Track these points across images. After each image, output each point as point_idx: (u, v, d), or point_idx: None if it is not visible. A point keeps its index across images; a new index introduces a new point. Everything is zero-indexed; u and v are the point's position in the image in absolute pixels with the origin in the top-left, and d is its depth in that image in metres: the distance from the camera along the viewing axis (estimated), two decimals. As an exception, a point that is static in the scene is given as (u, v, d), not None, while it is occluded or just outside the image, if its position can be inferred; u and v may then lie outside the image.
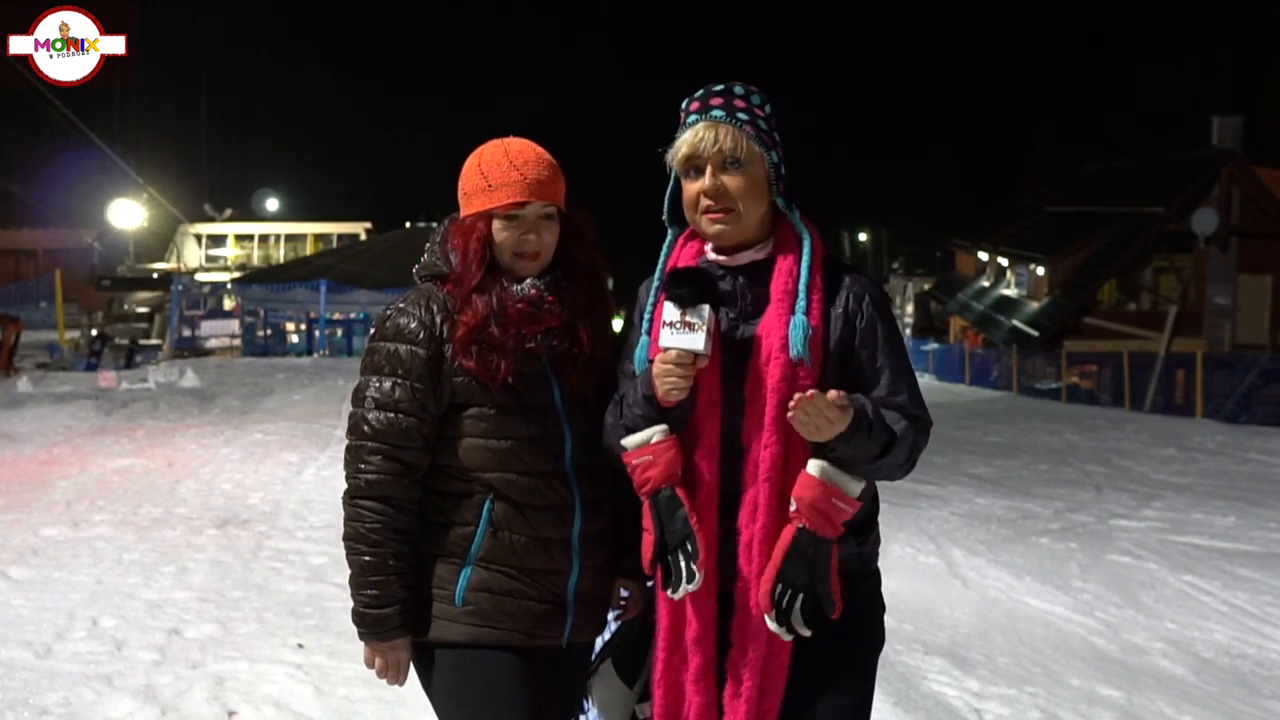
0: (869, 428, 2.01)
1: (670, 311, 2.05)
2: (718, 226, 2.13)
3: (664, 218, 2.27)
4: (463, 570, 2.24)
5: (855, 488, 2.03)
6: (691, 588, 2.05)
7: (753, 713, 2.09)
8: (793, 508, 2.03)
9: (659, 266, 2.25)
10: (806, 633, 2.03)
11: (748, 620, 2.09)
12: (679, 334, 2.05)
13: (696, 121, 2.11)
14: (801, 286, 2.11)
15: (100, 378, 16.22)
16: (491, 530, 2.23)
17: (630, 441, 2.11)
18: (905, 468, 2.16)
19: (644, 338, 2.20)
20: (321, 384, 15.94)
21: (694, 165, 2.12)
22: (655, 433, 2.09)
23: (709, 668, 2.12)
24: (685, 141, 2.11)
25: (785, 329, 2.07)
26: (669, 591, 2.09)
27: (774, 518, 2.07)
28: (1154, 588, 7.12)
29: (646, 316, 2.20)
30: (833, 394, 1.94)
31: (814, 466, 2.03)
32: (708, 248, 2.22)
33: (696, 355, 2.05)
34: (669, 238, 2.28)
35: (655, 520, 2.09)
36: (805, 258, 2.13)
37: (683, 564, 2.06)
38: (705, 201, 2.12)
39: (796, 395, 1.95)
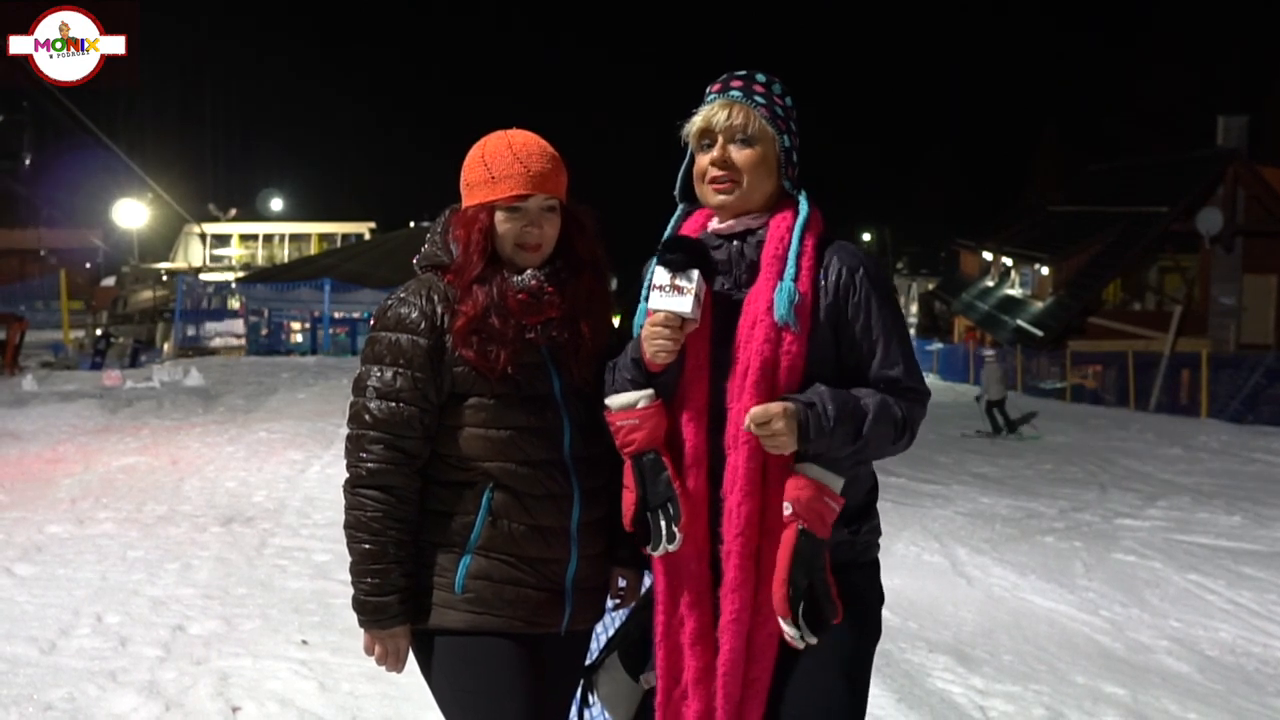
0: (827, 420, 2.03)
1: (660, 275, 2.09)
2: (721, 197, 2.18)
3: (675, 193, 2.31)
4: (462, 558, 2.25)
5: (838, 484, 2.07)
6: (671, 548, 2.10)
7: (737, 677, 2.11)
8: (788, 511, 2.05)
9: (664, 240, 2.26)
10: (814, 640, 2.05)
11: (729, 587, 2.10)
12: (667, 296, 2.08)
13: (715, 99, 2.19)
14: (791, 254, 2.13)
15: (105, 376, 16.24)
16: (491, 519, 2.25)
17: (615, 402, 2.14)
18: (902, 440, 2.15)
19: (643, 304, 2.22)
20: (325, 383, 15.95)
21: (707, 138, 2.19)
22: (641, 397, 2.12)
23: (705, 631, 2.14)
24: (701, 116, 2.20)
25: (772, 293, 2.10)
26: (649, 549, 2.13)
27: (751, 481, 2.08)
28: (1159, 586, 7.12)
29: (645, 286, 2.23)
30: (756, 410, 2.02)
31: (803, 468, 2.06)
32: (712, 222, 2.26)
33: (684, 319, 2.08)
34: (677, 213, 2.33)
35: (637, 480, 2.12)
36: (799, 226, 2.16)
37: (663, 524, 2.10)
38: (713, 171, 2.17)
39: (746, 419, 2.03)
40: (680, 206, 2.32)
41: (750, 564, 2.09)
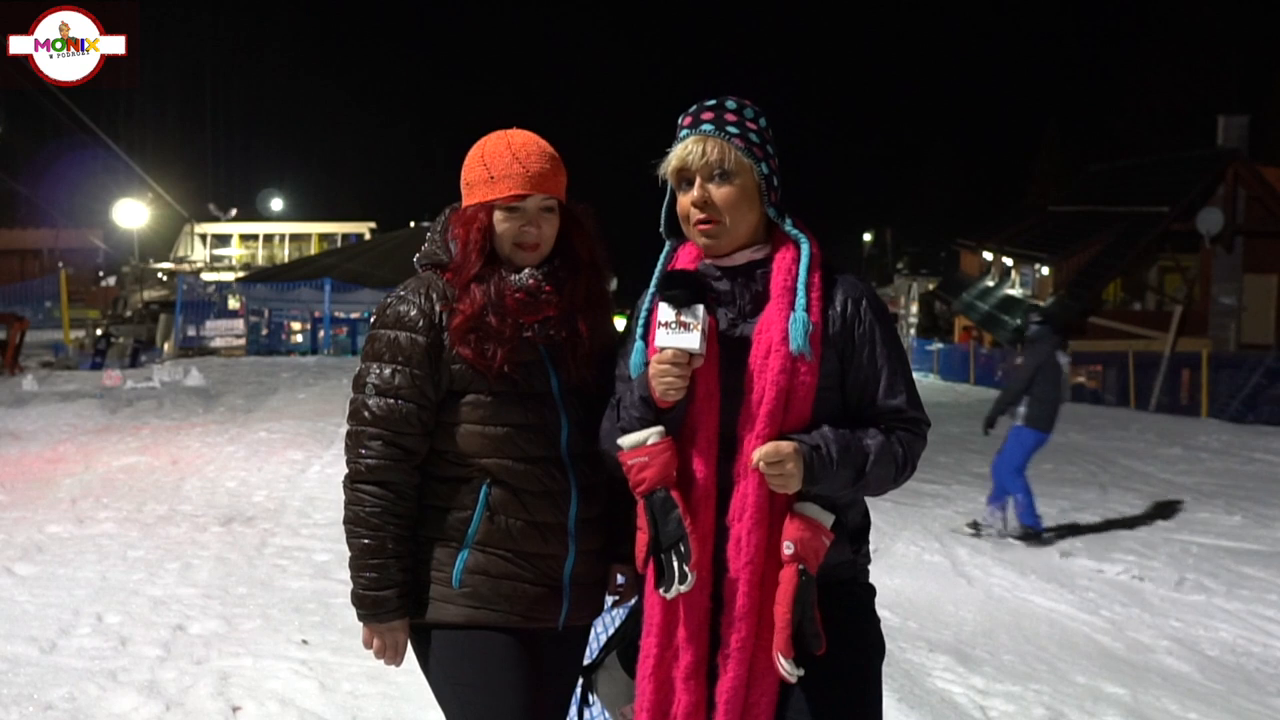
0: (831, 464, 2.05)
1: (665, 312, 2.07)
2: (706, 239, 2.17)
3: (662, 230, 2.30)
4: (460, 553, 2.27)
5: (830, 520, 2.09)
6: (684, 588, 2.07)
7: (737, 706, 2.10)
8: (790, 551, 2.05)
9: (656, 275, 2.27)
10: (801, 673, 2.06)
11: (734, 613, 2.10)
12: (674, 333, 2.06)
13: (687, 136, 2.16)
14: (800, 284, 2.13)
15: (105, 376, 16.21)
16: (488, 515, 2.26)
17: (626, 441, 2.12)
18: (903, 476, 2.19)
19: (639, 343, 2.21)
20: (325, 383, 15.95)
21: (685, 177, 2.17)
22: (651, 434, 2.10)
23: (700, 665, 2.13)
24: (675, 155, 2.17)
25: (785, 324, 2.10)
26: (661, 591, 2.10)
27: (761, 510, 2.08)
28: (1159, 586, 7.11)
29: (642, 321, 2.22)
30: (768, 447, 2.03)
31: (801, 508, 2.07)
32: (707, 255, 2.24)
33: (692, 355, 2.06)
34: (666, 249, 2.31)
35: (649, 520, 2.10)
36: (804, 258, 2.16)
37: (675, 565, 2.07)
38: (695, 215, 2.16)
39: (755, 456, 2.04)
40: (668, 243, 2.30)
41: (757, 592, 2.09)
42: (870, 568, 2.32)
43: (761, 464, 2.03)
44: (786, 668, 2.05)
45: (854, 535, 2.21)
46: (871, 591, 2.28)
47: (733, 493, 2.11)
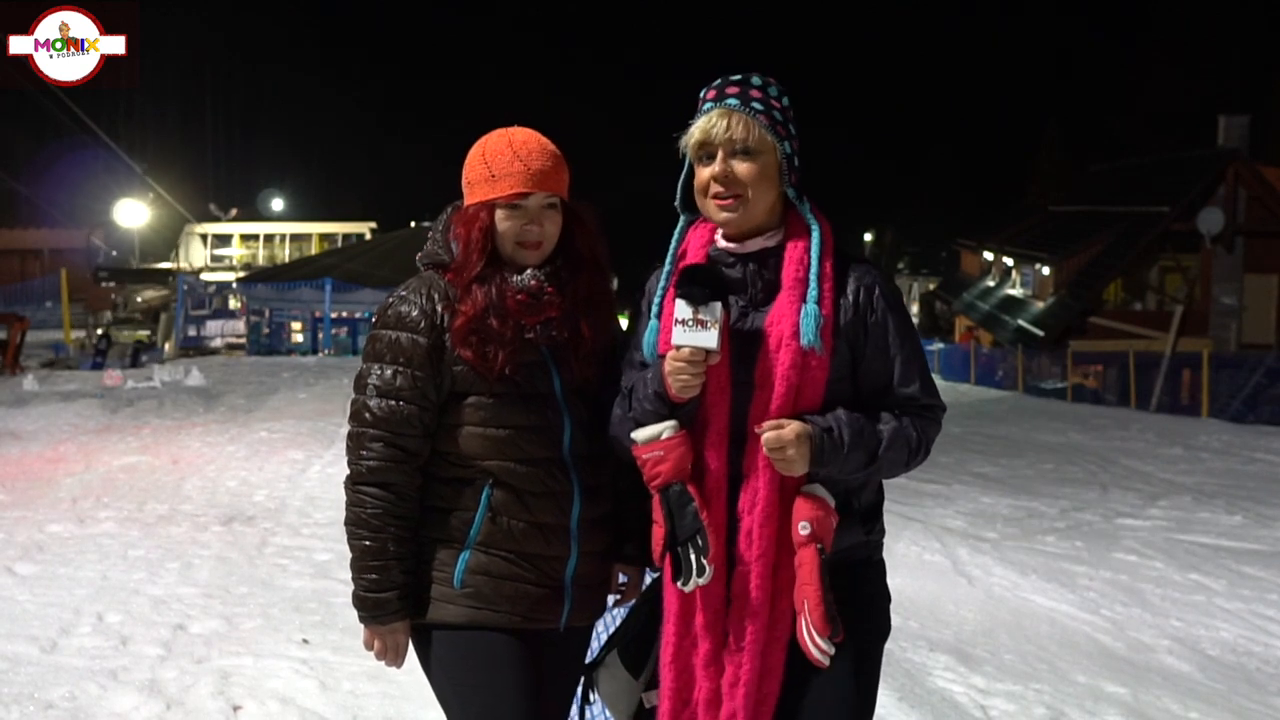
0: (842, 446, 2.05)
1: (682, 309, 2.06)
2: (725, 214, 2.15)
3: (676, 204, 2.27)
4: (461, 554, 2.26)
5: (832, 501, 2.10)
6: (702, 581, 2.07)
7: (752, 695, 2.11)
8: (806, 531, 2.05)
9: (670, 253, 2.26)
10: (832, 652, 2.05)
11: (748, 606, 2.10)
12: (691, 331, 2.05)
13: (711, 109, 2.13)
14: (813, 275, 2.12)
15: (105, 376, 16.23)
16: (490, 516, 2.26)
17: (641, 435, 2.12)
18: (915, 460, 2.18)
19: (653, 322, 2.20)
20: (326, 383, 15.95)
21: (706, 151, 2.14)
22: (666, 428, 2.10)
23: (718, 653, 2.14)
24: (698, 127, 2.13)
25: (796, 316, 2.09)
26: (679, 584, 2.10)
27: (772, 503, 2.09)
28: (1160, 586, 7.10)
29: (656, 303, 2.22)
30: (769, 434, 2.03)
31: (812, 489, 2.07)
32: (718, 235, 2.23)
33: (709, 352, 2.06)
34: (680, 224, 2.29)
35: (665, 514, 2.10)
36: (815, 246, 2.15)
37: (693, 558, 2.07)
38: (715, 187, 2.13)
39: (761, 430, 2.04)
40: (682, 217, 2.28)
41: (770, 584, 2.10)
42: None
43: (764, 448, 2.04)
44: (823, 647, 2.04)
45: (866, 515, 2.21)
46: (882, 570, 2.29)
47: (744, 485, 2.11)
